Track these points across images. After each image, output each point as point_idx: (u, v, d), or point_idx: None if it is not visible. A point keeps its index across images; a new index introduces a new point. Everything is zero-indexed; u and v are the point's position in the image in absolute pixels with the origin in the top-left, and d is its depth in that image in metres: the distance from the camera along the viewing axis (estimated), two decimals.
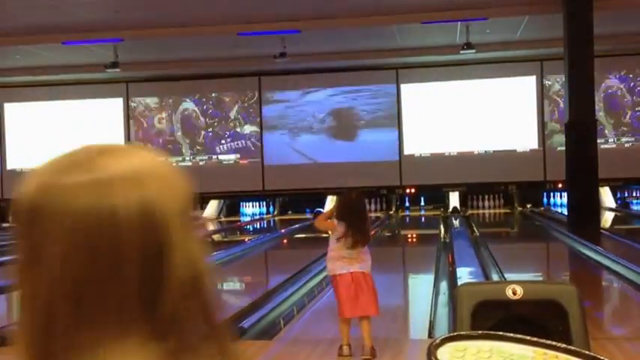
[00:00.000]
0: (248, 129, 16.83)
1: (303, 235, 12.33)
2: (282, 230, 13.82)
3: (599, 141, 11.83)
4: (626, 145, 15.37)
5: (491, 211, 15.91)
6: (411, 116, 16.21)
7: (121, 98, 16.93)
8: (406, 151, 16.15)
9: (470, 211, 15.37)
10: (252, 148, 16.74)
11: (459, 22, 12.55)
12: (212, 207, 16.57)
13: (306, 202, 15.87)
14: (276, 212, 16.64)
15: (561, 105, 14.95)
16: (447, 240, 10.81)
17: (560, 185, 14.58)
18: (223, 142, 16.82)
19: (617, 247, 9.46)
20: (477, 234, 11.37)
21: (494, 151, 15.89)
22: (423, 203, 16.48)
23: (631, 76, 15.75)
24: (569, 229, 11.02)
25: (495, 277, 7.08)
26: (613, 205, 15.30)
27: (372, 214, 14.63)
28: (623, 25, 13.00)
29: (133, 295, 0.71)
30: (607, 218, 13.78)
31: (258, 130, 16.76)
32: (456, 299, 1.89)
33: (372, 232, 4.47)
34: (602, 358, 0.91)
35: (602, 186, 13.01)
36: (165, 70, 15.68)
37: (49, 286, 0.71)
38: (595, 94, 11.79)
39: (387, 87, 16.30)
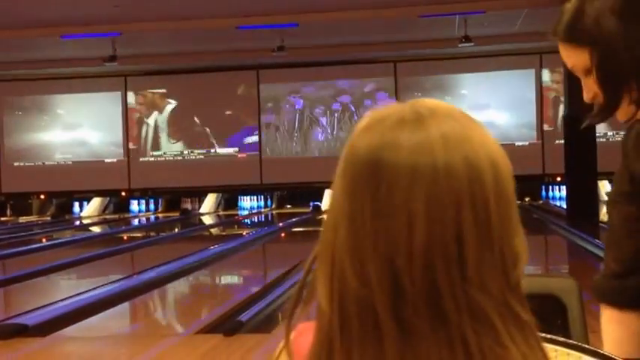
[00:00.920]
0: (246, 123, 16.79)
1: (302, 229, 12.33)
2: (281, 224, 13.82)
3: (597, 134, 11.82)
4: None
5: None
6: None
7: (119, 92, 16.88)
8: None
9: None
10: (251, 142, 16.72)
11: (457, 16, 12.53)
12: (210, 201, 16.56)
13: (306, 196, 15.85)
14: (274, 206, 16.63)
15: (560, 98, 14.94)
16: None
17: (558, 178, 14.57)
18: (221, 135, 16.79)
19: None
20: None
21: None
22: None
23: None
24: (567, 222, 11.02)
25: None
26: None
27: None
28: None
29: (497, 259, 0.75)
30: (606, 211, 13.76)
31: (257, 123, 16.74)
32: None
33: None
34: (601, 351, 0.91)
35: (600, 179, 12.99)
36: (162, 63, 15.64)
37: (423, 243, 0.72)
38: None
39: (385, 80, 16.27)
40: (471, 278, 0.72)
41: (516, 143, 15.82)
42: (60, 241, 11.96)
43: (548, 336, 0.92)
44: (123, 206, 16.77)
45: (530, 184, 15.75)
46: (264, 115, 16.69)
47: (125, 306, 6.33)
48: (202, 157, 16.80)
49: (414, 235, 0.71)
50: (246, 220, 15.49)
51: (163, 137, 16.87)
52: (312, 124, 16.55)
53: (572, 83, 11.19)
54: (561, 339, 0.92)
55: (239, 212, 16.48)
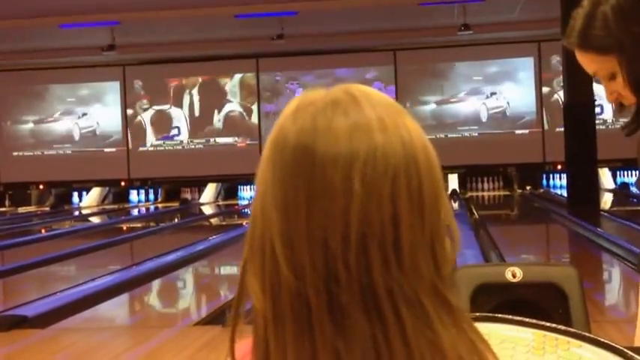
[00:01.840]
0: (246, 111, 16.76)
1: None
2: None
3: (597, 122, 11.78)
4: None
5: (491, 193, 15.88)
6: (409, 98, 16.14)
7: (118, 81, 16.83)
8: None
9: (469, 193, 15.34)
10: (250, 131, 16.68)
11: (456, 4, 12.48)
12: (210, 190, 16.54)
13: None
14: None
15: (560, 86, 14.89)
16: None
17: (559, 167, 14.54)
18: (221, 125, 16.76)
19: (616, 228, 9.44)
20: (477, 216, 11.33)
21: (492, 133, 15.84)
22: None
23: None
24: (568, 210, 10.99)
25: (495, 259, 7.06)
26: (612, 186, 15.27)
27: None
28: None
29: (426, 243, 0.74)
30: (606, 199, 13.75)
31: (256, 112, 16.70)
32: (454, 282, 1.78)
33: None
34: (602, 339, 0.90)
35: (601, 167, 12.97)
36: (161, 52, 15.59)
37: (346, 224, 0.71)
38: None
39: (384, 68, 16.22)
40: (405, 262, 0.71)
41: (516, 132, 15.78)
42: (59, 231, 11.94)
43: (550, 324, 0.92)
44: (122, 196, 16.74)
45: (530, 173, 15.73)
46: (263, 104, 16.65)
47: (124, 297, 6.30)
48: (202, 146, 16.77)
49: (349, 216, 0.70)
50: (246, 210, 15.46)
51: (162, 127, 16.82)
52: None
53: (571, 71, 11.14)
54: (562, 327, 0.92)
55: (239, 202, 16.46)
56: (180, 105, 16.83)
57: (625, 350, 0.87)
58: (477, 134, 15.90)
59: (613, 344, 0.89)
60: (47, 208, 16.04)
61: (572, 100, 10.96)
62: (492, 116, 15.85)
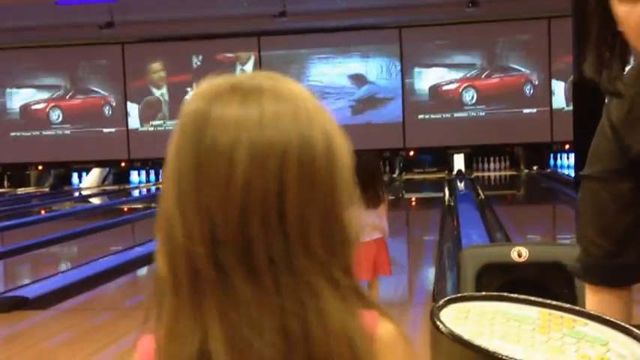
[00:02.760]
0: None
1: None
2: None
3: (606, 100, 11.60)
4: None
5: (497, 173, 15.74)
6: (415, 77, 15.95)
7: (118, 60, 16.61)
8: (409, 113, 15.91)
9: (475, 174, 15.21)
10: None
11: None
12: None
13: None
14: None
15: (569, 64, 14.69)
16: (452, 203, 10.66)
17: (567, 146, 14.39)
18: None
19: None
20: (482, 197, 11.23)
21: (499, 112, 15.65)
22: (427, 166, 16.30)
23: None
24: (575, 190, 10.83)
25: (501, 239, 6.98)
26: None
27: None
28: None
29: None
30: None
31: None
32: (460, 262, 1.86)
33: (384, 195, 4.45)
34: (607, 317, 0.90)
35: None
36: (160, 30, 15.38)
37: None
38: None
39: (389, 47, 16.00)
40: (292, 235, 0.73)
41: (524, 111, 15.58)
42: (59, 212, 11.84)
43: (555, 302, 0.93)
44: (123, 177, 16.61)
45: (538, 152, 15.56)
46: None
47: (126, 278, 6.25)
48: None
49: (231, 184, 0.72)
50: None
51: (163, 107, 16.65)
52: (315, 92, 16.30)
53: (580, 49, 10.94)
54: (568, 305, 0.93)
55: None
56: (178, 84, 16.61)
57: (631, 328, 0.87)
58: (483, 113, 15.71)
59: (619, 322, 0.89)
60: (47, 189, 15.91)
61: (581, 78, 10.76)
62: (499, 95, 15.64)
